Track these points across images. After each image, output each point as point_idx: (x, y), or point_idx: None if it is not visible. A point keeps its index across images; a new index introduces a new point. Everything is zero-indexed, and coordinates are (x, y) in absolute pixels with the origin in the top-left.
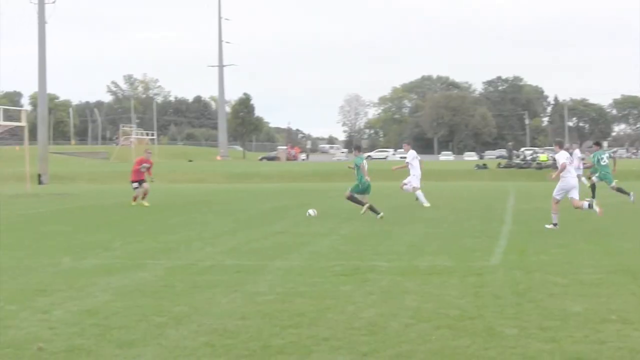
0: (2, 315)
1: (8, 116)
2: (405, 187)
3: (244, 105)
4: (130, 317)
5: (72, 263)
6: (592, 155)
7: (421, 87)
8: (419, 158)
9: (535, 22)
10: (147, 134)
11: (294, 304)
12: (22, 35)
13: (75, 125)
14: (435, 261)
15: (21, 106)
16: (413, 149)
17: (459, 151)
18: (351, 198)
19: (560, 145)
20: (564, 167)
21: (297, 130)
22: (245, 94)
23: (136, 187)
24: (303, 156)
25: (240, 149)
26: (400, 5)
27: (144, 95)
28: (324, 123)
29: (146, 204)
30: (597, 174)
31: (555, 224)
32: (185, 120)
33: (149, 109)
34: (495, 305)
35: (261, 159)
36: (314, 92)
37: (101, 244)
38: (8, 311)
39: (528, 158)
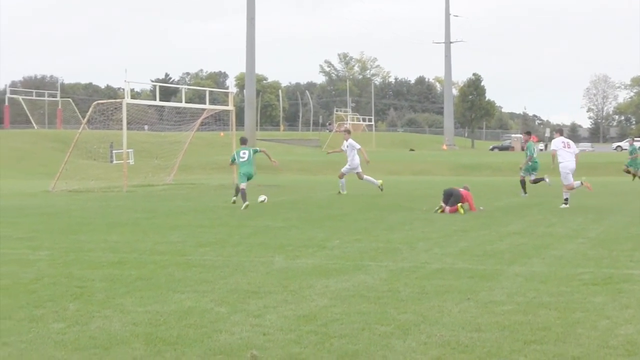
0: (212, 318)
1: (212, 99)
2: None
3: (474, 87)
4: (352, 325)
5: (285, 262)
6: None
7: None
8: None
9: None
10: (364, 120)
11: (537, 316)
12: (229, 10)
13: (284, 109)
14: None
15: (226, 88)
16: None
17: None
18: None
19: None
20: (553, 154)
21: (534, 116)
22: (475, 74)
23: None
24: (540, 146)
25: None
26: None
27: (361, 76)
28: (566, 108)
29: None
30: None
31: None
32: (407, 104)
33: (365, 91)
34: None
35: (492, 149)
36: (555, 72)
37: (316, 242)
38: (218, 314)
39: None
